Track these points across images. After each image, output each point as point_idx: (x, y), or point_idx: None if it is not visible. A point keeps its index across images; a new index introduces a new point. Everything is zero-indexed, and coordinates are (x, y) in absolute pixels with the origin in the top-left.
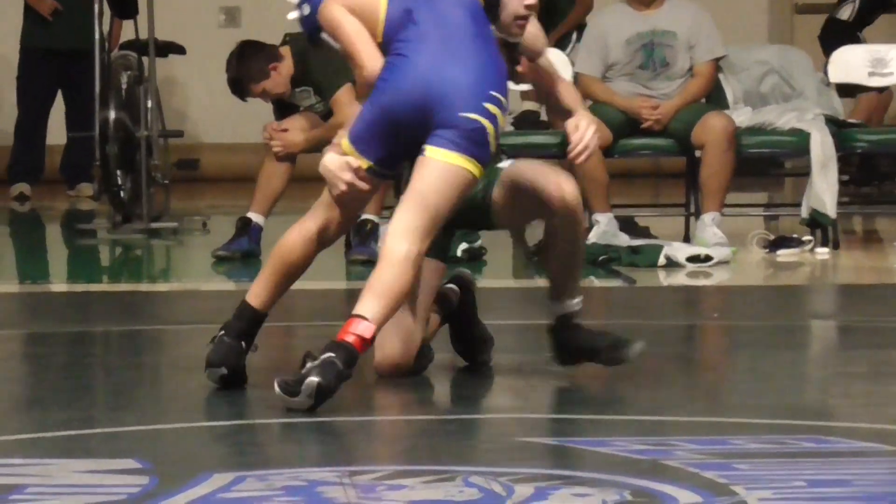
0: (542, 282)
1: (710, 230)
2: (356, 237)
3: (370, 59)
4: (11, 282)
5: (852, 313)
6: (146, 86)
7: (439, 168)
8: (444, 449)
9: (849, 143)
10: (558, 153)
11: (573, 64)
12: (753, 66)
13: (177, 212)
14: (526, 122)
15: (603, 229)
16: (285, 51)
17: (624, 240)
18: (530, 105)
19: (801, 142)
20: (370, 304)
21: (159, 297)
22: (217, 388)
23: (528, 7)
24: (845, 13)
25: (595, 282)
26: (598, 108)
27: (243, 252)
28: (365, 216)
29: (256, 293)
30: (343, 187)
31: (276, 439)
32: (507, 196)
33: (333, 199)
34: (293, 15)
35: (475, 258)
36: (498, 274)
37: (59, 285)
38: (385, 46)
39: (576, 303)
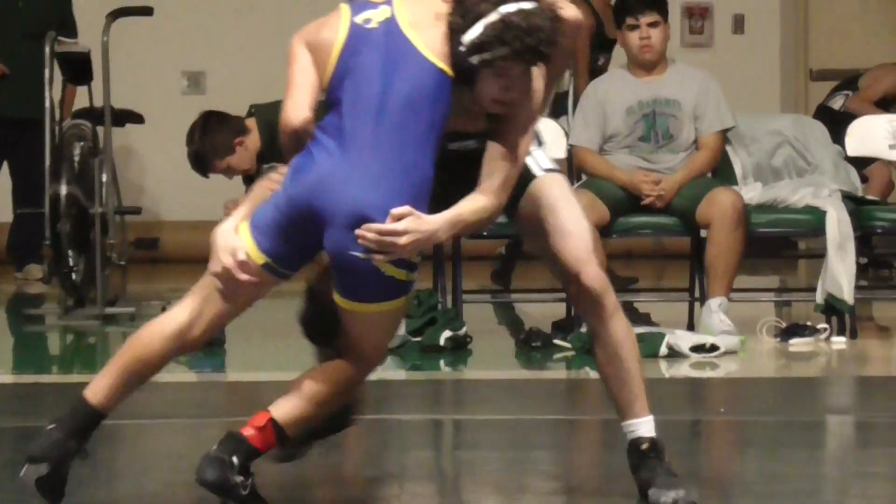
0: (528, 373)
1: (717, 317)
2: None
3: (293, 109)
4: None
5: (872, 408)
6: (101, 158)
7: (360, 319)
8: None
9: (868, 222)
10: None
11: (568, 135)
12: (765, 138)
13: (134, 295)
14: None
15: None
16: (251, 123)
17: None
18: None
19: (816, 220)
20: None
21: None
22: (153, 488)
23: (504, 100)
24: (837, 103)
25: (590, 373)
26: (595, 182)
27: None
28: None
29: (97, 389)
30: (219, 269)
31: None
32: (529, 225)
33: (212, 274)
34: None
35: (460, 346)
36: (484, 364)
37: (4, 376)
38: (328, 101)
39: (638, 423)
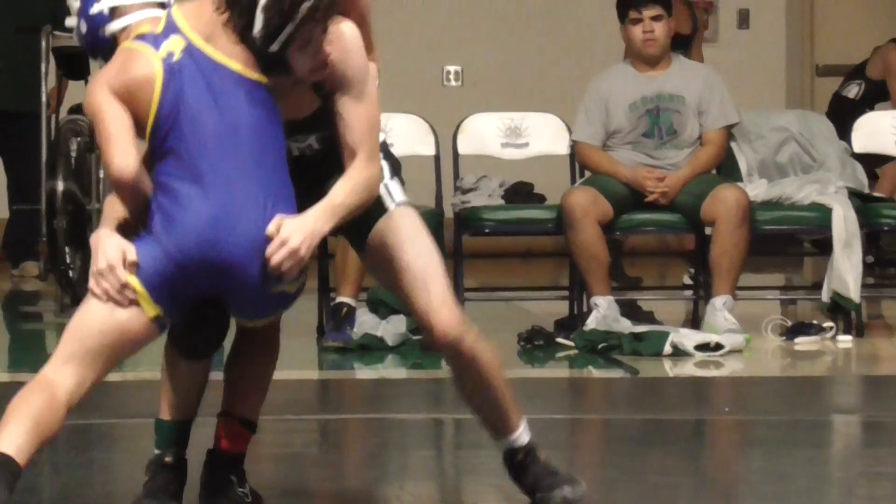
0: (531, 371)
1: (721, 315)
2: (330, 322)
3: (122, 159)
4: None
5: (878, 407)
6: (98, 153)
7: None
8: None
9: (875, 220)
10: (552, 229)
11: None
12: (770, 134)
13: None
14: (518, 195)
15: (603, 314)
16: None
17: (626, 325)
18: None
19: (822, 218)
20: None
21: (112, 388)
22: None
23: (320, 63)
24: (851, 91)
25: (594, 372)
26: (598, 179)
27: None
28: (341, 299)
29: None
30: (104, 266)
31: None
32: (378, 259)
33: (96, 275)
34: (70, 22)
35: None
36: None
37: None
38: (155, 143)
39: (514, 437)
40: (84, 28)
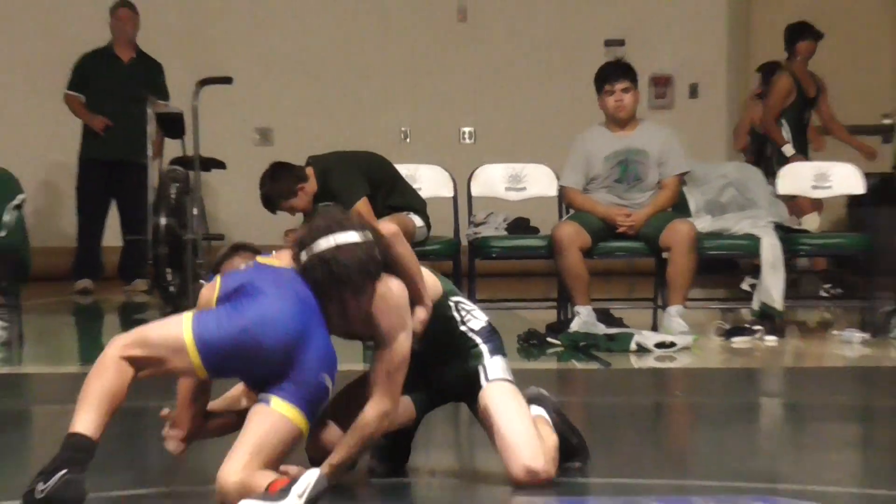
0: (527, 363)
1: (675, 320)
2: None
3: None
4: (74, 364)
5: (798, 393)
6: (192, 196)
7: (279, 421)
8: None
9: (794, 247)
10: (544, 254)
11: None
12: (714, 180)
13: None
14: (518, 227)
15: (584, 319)
16: (310, 171)
17: (601, 329)
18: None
19: (753, 245)
20: None
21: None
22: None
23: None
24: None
25: (576, 365)
26: (580, 215)
27: None
28: None
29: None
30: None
31: None
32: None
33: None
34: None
35: None
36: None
37: None
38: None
39: None
40: None
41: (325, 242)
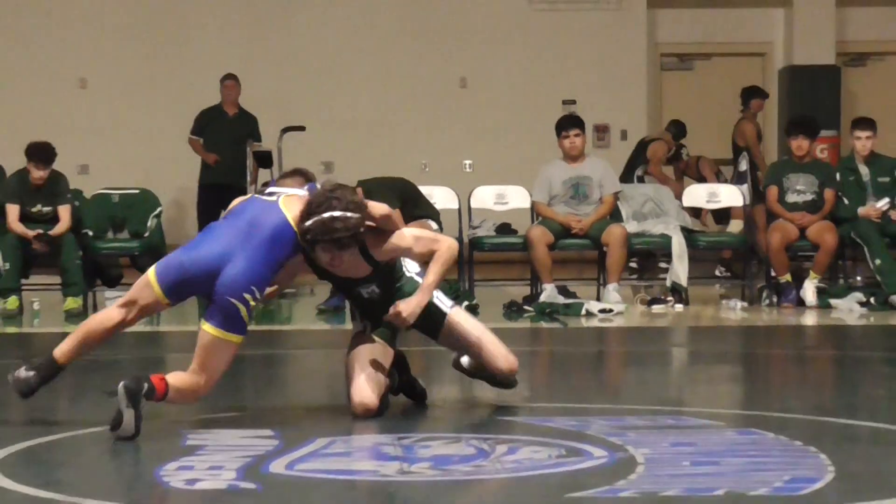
0: (509, 324)
1: (613, 294)
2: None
3: None
4: (195, 324)
5: (697, 344)
6: None
7: (210, 339)
8: (452, 425)
9: (695, 242)
10: (521, 248)
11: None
12: (638, 196)
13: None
14: (503, 229)
15: (548, 293)
16: (359, 190)
17: (561, 299)
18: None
19: (666, 242)
20: None
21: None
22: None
23: (333, 266)
24: (639, 171)
25: (543, 325)
26: (546, 221)
27: (336, 307)
28: None
29: (65, 349)
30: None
31: (355, 421)
32: (451, 344)
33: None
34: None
35: (472, 310)
36: (485, 320)
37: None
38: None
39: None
40: None
41: (316, 216)
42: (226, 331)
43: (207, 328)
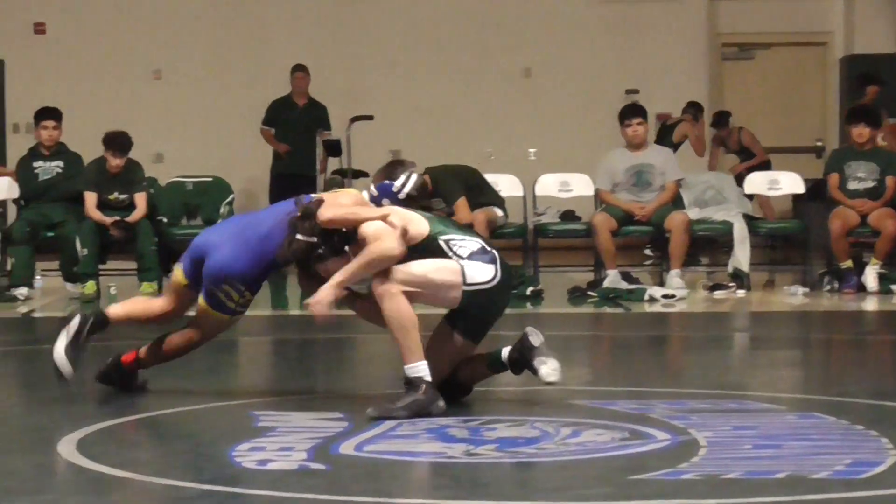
0: (573, 309)
1: (675, 280)
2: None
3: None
4: (267, 308)
5: (758, 328)
6: None
7: (201, 308)
8: (517, 408)
9: (755, 229)
10: (585, 235)
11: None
12: (700, 184)
13: None
14: (566, 216)
15: (612, 279)
16: (427, 178)
17: (624, 285)
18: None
19: (727, 228)
20: None
21: None
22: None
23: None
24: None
25: (607, 310)
26: (609, 208)
27: None
28: None
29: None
30: None
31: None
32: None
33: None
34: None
35: (537, 295)
36: (549, 305)
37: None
38: None
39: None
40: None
41: (299, 237)
42: (211, 307)
43: (200, 299)
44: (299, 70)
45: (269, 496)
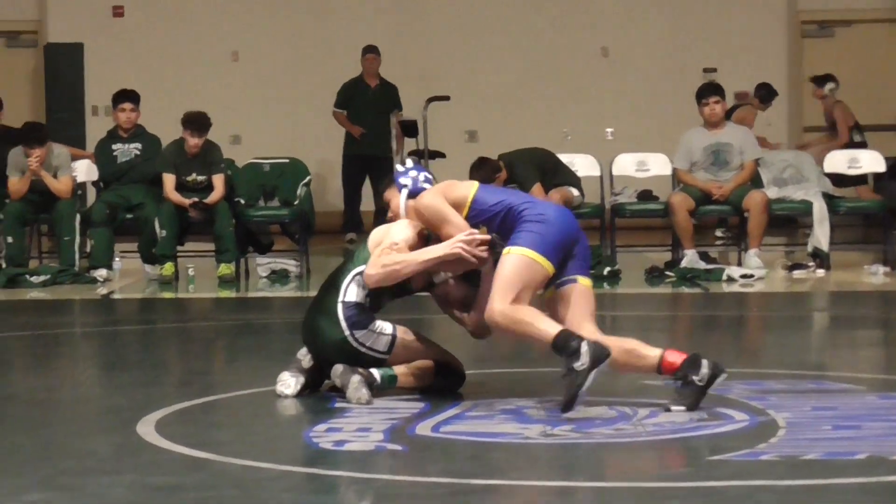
0: (651, 290)
1: (754, 259)
2: None
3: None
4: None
5: (838, 308)
6: None
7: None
8: (594, 389)
9: (835, 208)
10: (662, 214)
11: (672, 161)
12: (778, 163)
13: None
14: (644, 196)
15: (690, 258)
16: (502, 164)
17: (702, 265)
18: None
19: (807, 207)
20: None
21: None
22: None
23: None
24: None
25: (685, 290)
26: (687, 188)
27: None
28: None
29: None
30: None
31: (497, 385)
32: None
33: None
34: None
35: (614, 275)
36: (627, 285)
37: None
38: None
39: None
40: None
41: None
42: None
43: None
44: (370, 51)
45: (346, 477)
